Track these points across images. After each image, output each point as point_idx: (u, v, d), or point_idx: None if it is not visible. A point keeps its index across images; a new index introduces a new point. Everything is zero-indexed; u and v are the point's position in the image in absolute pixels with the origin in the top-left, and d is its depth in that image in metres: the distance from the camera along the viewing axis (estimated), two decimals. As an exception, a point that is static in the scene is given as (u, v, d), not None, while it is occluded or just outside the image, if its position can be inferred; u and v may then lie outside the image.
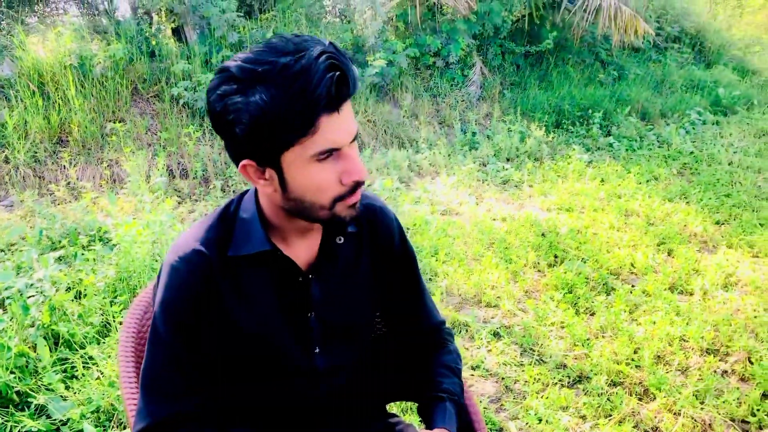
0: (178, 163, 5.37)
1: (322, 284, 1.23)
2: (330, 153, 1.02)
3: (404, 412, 2.39)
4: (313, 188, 1.04)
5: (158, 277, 1.17)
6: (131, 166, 4.57)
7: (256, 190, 1.19)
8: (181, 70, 5.89)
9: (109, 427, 2.17)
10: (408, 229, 4.28)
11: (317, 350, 1.24)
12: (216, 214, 1.20)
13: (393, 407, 2.32)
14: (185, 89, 5.76)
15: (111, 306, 2.80)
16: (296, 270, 1.19)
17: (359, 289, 1.30)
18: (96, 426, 2.10)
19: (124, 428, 2.15)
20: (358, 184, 1.07)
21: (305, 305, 1.22)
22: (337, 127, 1.00)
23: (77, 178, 4.89)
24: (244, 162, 1.06)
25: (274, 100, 0.95)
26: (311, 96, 0.94)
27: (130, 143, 5.25)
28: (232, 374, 1.21)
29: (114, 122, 5.38)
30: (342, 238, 1.25)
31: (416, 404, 1.34)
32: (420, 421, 1.29)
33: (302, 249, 1.22)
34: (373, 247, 1.32)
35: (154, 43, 6.27)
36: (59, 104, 5.24)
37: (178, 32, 6.72)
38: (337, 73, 0.95)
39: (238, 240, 1.16)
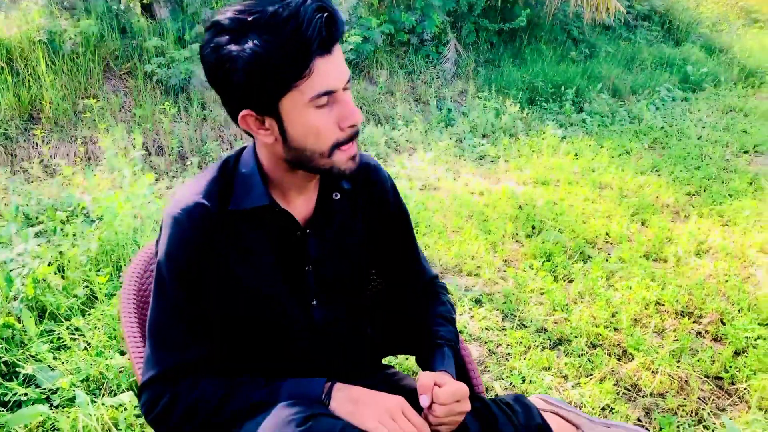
0: (154, 140, 5.31)
1: (318, 239, 1.26)
2: (327, 96, 1.04)
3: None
4: (313, 134, 1.07)
5: (160, 229, 1.18)
6: (107, 143, 4.51)
7: (254, 146, 1.21)
8: (154, 47, 5.80)
9: (99, 395, 2.18)
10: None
11: (314, 303, 1.27)
12: (215, 169, 1.21)
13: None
14: (158, 66, 5.68)
15: (96, 276, 2.79)
16: (294, 224, 1.22)
17: (355, 245, 1.33)
18: (87, 394, 2.10)
19: (115, 395, 2.16)
20: (355, 131, 1.10)
21: (302, 259, 1.24)
22: (332, 68, 1.03)
23: (51, 156, 4.82)
24: (243, 113, 1.08)
25: (267, 45, 0.97)
26: (303, 37, 0.97)
27: (104, 120, 5.18)
28: (232, 330, 1.23)
29: (87, 99, 5.29)
30: (338, 194, 1.28)
31: (412, 359, 1.37)
32: (416, 372, 1.32)
33: (300, 205, 1.24)
34: (368, 204, 1.35)
35: (124, 20, 6.15)
36: (29, 81, 5.14)
37: (149, 8, 6.60)
38: (326, 14, 0.99)
39: (238, 194, 1.18)
